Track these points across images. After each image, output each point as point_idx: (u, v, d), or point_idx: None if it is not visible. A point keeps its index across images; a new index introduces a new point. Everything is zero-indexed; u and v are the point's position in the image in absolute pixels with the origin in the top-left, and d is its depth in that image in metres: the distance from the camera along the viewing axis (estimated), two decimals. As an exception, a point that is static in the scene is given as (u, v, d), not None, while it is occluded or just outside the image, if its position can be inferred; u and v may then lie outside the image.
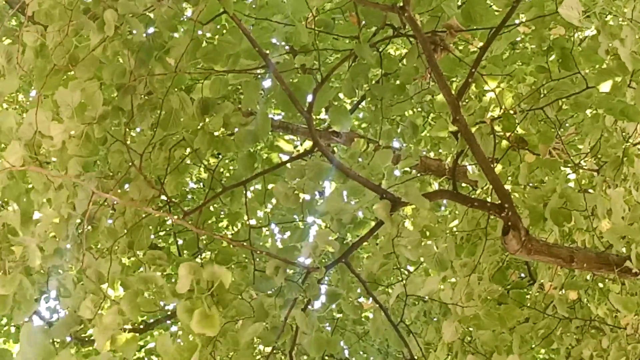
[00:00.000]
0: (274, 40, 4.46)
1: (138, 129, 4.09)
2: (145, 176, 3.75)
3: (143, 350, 7.73)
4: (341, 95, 5.01)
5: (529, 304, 5.01)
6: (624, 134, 4.18)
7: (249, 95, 4.18)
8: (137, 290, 3.07)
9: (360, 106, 6.50)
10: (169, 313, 8.21)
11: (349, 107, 5.69)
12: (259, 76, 4.30)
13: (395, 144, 6.42)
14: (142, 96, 3.60)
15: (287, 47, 4.59)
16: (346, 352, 6.73)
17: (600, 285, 5.10)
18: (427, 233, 4.25)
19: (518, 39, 5.02)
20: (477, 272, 4.55)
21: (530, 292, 5.16)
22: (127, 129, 3.73)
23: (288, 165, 4.48)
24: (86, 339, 7.77)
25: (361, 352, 6.47)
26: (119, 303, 3.04)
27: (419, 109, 5.02)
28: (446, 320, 4.35)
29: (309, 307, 4.46)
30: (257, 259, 4.37)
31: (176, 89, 3.71)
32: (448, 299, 4.44)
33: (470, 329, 4.79)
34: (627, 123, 4.14)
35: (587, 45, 4.23)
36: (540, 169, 4.66)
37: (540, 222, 4.29)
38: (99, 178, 3.51)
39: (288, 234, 5.30)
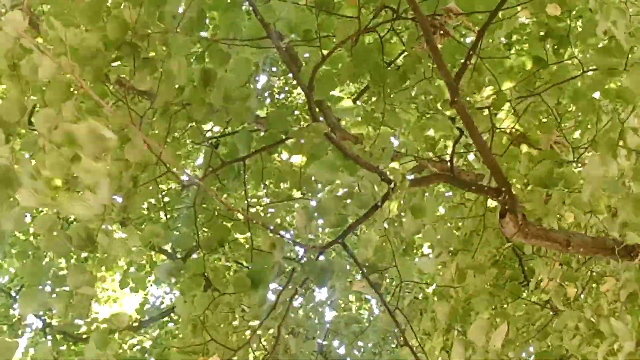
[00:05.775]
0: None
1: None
2: (145, 139, 3.76)
3: (137, 349, 7.66)
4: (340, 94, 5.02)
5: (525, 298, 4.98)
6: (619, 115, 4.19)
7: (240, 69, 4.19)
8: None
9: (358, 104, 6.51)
10: (163, 311, 8.19)
11: (350, 103, 5.70)
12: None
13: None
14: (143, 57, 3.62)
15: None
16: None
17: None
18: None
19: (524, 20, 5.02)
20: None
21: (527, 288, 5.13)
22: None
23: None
24: (80, 337, 7.74)
25: (356, 352, 6.42)
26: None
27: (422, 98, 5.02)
28: (439, 301, 4.34)
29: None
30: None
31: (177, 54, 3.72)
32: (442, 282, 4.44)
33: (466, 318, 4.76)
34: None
35: (583, 27, 4.29)
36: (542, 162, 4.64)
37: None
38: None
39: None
